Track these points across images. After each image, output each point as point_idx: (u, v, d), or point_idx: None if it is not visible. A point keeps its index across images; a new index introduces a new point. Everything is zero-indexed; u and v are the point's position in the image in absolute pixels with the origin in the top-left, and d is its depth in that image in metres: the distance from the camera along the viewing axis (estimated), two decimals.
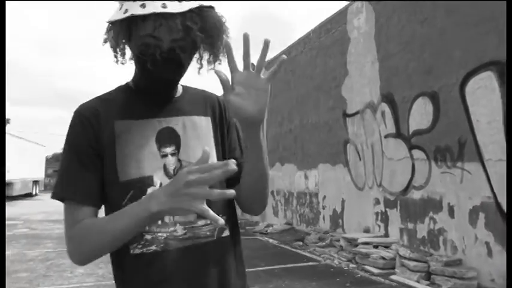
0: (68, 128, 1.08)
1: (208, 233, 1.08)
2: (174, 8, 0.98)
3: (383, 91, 6.80)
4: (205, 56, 1.11)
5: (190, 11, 1.00)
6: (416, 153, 6.00)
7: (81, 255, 1.02)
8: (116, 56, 1.09)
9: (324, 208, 8.54)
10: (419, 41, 6.04)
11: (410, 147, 6.12)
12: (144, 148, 1.07)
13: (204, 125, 1.16)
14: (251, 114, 0.97)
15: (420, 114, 5.96)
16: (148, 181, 1.05)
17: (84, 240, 1.00)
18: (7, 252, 7.32)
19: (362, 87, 7.38)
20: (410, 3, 6.26)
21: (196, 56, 1.11)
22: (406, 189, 6.16)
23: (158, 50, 1.00)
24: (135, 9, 0.98)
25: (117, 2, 1.06)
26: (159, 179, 1.06)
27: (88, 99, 1.13)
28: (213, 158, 1.13)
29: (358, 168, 7.41)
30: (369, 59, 7.21)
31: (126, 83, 1.16)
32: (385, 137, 6.68)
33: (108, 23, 1.06)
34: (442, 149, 5.56)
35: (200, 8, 1.02)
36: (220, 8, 1.09)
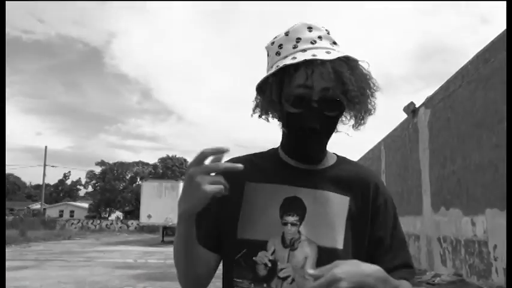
0: None
1: None
2: (323, 56, 1.00)
3: None
4: (354, 110, 1.09)
5: (339, 59, 1.02)
6: None
7: (179, 281, 1.12)
8: (267, 118, 1.13)
9: (495, 259, 7.47)
10: None
11: None
12: (267, 212, 1.07)
13: (337, 203, 1.09)
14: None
15: None
16: (261, 244, 1.05)
17: (176, 267, 1.11)
18: None
19: None
20: None
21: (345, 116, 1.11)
22: None
23: (307, 101, 1.01)
24: (287, 62, 1.02)
25: (267, 62, 1.12)
26: (274, 245, 1.05)
27: (243, 155, 1.21)
28: (339, 244, 1.05)
29: None
30: None
31: (277, 148, 1.19)
32: None
33: (256, 88, 1.11)
34: None
35: (348, 57, 1.04)
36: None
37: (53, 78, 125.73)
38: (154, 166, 56.72)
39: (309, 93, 1.01)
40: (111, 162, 56.87)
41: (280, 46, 1.09)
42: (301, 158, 1.12)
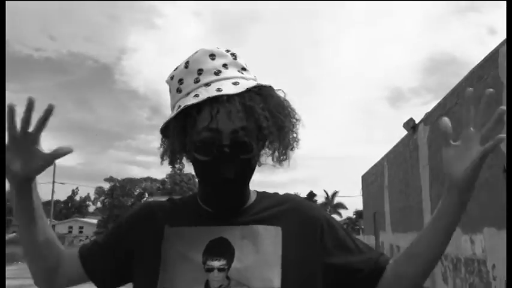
0: (130, 209, 1.12)
1: None
2: (229, 90, 0.87)
3: None
4: (272, 147, 0.98)
5: (249, 90, 0.89)
6: None
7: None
8: (173, 166, 1.03)
9: (494, 279, 7.35)
10: None
11: None
12: (188, 259, 0.94)
13: (269, 236, 0.97)
14: (456, 174, 0.92)
15: None
16: None
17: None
18: None
19: None
20: None
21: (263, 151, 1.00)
22: None
23: (216, 147, 0.89)
24: (188, 102, 0.89)
25: (170, 99, 1.00)
26: None
27: (161, 200, 1.12)
28: (275, 283, 0.91)
29: None
30: None
31: (196, 193, 1.08)
32: None
33: (160, 131, 0.98)
34: None
35: (259, 87, 0.92)
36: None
37: (64, 95, 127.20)
38: (163, 182, 56.82)
39: (218, 137, 0.89)
40: (120, 178, 57.29)
41: (181, 81, 0.95)
42: (219, 209, 0.99)
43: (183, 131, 0.91)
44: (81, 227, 60.14)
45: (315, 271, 0.98)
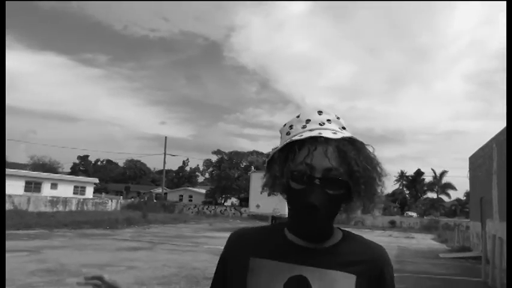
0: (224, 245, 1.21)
1: None
2: (328, 135, 1.03)
3: None
4: (360, 194, 1.07)
5: (344, 139, 1.05)
6: None
7: None
8: (273, 193, 1.14)
9: None
10: None
11: None
12: None
13: (344, 283, 1.06)
14: None
15: None
16: None
17: None
18: None
19: None
20: None
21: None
22: None
23: (308, 177, 1.01)
24: (293, 139, 1.06)
25: (280, 141, 1.15)
26: None
27: (249, 227, 1.22)
28: None
29: None
30: None
31: (284, 223, 1.17)
32: None
33: (266, 165, 1.14)
34: None
35: (353, 139, 1.07)
36: None
37: (176, 72, 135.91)
38: (268, 155, 57.76)
39: (311, 170, 1.01)
40: (227, 151, 59.59)
41: (291, 127, 1.12)
42: (302, 235, 1.09)
43: (285, 162, 1.05)
44: (190, 196, 64.61)
45: None
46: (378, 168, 1.08)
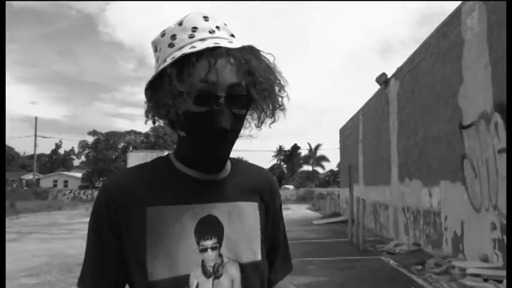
0: (93, 204, 0.96)
1: None
2: (226, 45, 0.88)
3: (496, 99, 5.94)
4: (260, 107, 0.97)
5: (244, 48, 0.91)
6: None
7: None
8: (159, 118, 0.96)
9: (446, 229, 7.74)
10: None
11: None
12: (180, 241, 0.90)
13: (251, 213, 1.00)
14: None
15: None
16: (183, 281, 0.88)
17: None
18: None
19: (476, 95, 6.55)
20: None
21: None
22: None
23: (212, 98, 0.86)
24: (185, 51, 0.87)
25: (156, 59, 0.97)
26: (196, 278, 0.89)
27: (122, 170, 1.00)
28: (258, 256, 0.99)
29: (475, 186, 6.55)
30: (482, 63, 6.37)
31: (167, 155, 1.01)
32: (499, 152, 5.81)
33: (146, 88, 0.92)
34: None
35: (252, 47, 0.93)
36: None
37: (47, 46, 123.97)
38: (146, 135, 56.71)
39: (214, 88, 0.86)
40: (104, 131, 56.90)
41: (173, 37, 0.93)
42: (206, 166, 0.95)
43: (179, 79, 0.86)
44: (65, 181, 60.30)
45: (267, 244, 1.06)
46: (280, 78, 0.97)
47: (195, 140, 0.91)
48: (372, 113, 13.98)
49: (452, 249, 7.41)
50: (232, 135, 0.91)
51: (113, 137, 55.66)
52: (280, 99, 0.97)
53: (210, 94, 0.86)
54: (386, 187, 11.96)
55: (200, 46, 0.86)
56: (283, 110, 0.99)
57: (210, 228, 0.93)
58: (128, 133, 56.71)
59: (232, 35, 0.96)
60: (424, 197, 8.88)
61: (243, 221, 0.98)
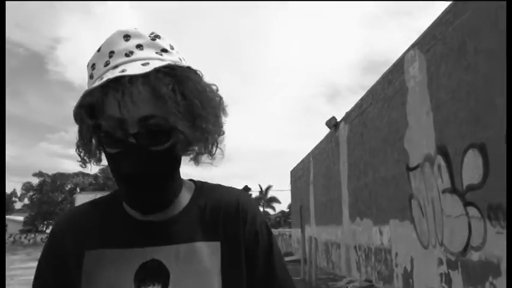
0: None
1: None
2: (134, 70, 0.73)
3: (438, 143, 6.45)
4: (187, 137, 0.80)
5: (158, 71, 0.75)
6: (471, 210, 5.51)
7: None
8: (85, 162, 0.85)
9: (396, 266, 8.06)
10: (465, 89, 5.71)
11: (465, 204, 5.65)
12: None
13: (208, 253, 0.85)
14: None
15: (471, 168, 5.52)
16: None
17: None
18: None
19: (420, 139, 7.07)
20: (456, 49, 5.98)
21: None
22: (465, 250, 5.63)
23: (125, 136, 0.75)
24: (90, 88, 0.75)
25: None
26: None
27: (76, 207, 0.94)
28: None
29: (422, 225, 6.95)
30: (424, 109, 6.93)
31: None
32: (443, 192, 6.26)
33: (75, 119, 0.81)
34: (494, 207, 5.06)
35: (171, 67, 0.77)
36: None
37: None
38: (95, 177, 54.99)
39: (123, 126, 0.75)
40: (50, 173, 54.63)
41: (93, 66, 0.81)
42: (139, 210, 0.83)
43: (91, 120, 0.78)
44: (5, 225, 56.84)
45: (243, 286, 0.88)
46: (210, 101, 0.81)
47: (119, 184, 0.82)
48: (323, 155, 14.49)
49: (402, 284, 7.70)
50: (153, 177, 0.79)
51: (59, 179, 53.54)
52: (214, 127, 0.83)
53: (116, 132, 0.76)
54: (338, 226, 12.28)
55: (106, 77, 0.74)
56: (220, 136, 0.86)
57: (152, 274, 0.82)
58: (76, 174, 54.74)
59: (164, 50, 0.81)
60: (375, 235, 9.23)
61: (196, 265, 0.84)
